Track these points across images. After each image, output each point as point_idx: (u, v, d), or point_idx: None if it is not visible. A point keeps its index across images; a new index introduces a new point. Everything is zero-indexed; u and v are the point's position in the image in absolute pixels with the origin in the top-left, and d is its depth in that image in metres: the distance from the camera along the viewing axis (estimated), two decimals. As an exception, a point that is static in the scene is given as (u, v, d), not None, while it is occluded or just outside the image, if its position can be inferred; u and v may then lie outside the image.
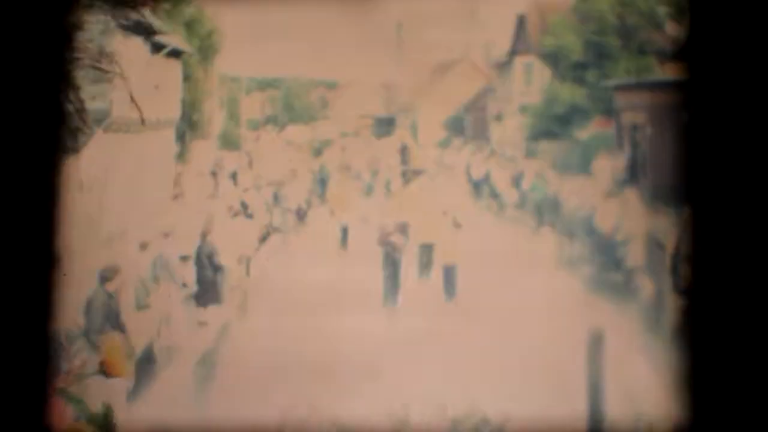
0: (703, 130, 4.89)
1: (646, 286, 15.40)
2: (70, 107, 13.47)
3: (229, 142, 28.10)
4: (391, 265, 17.76)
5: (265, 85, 36.31)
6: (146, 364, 10.56)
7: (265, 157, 27.39)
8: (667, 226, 15.04)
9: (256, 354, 13.00)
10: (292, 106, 36.93)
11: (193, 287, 13.21)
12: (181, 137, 23.19)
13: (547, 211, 20.31)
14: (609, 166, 21.62)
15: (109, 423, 8.99)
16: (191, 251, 13.41)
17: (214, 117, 26.23)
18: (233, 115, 29.88)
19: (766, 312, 4.95)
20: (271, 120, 35.88)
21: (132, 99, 15.52)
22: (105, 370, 10.80)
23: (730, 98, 4.71)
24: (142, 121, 14.36)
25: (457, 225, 18.41)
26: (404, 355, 14.15)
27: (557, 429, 10.49)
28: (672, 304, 14.63)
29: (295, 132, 33.23)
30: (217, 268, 13.46)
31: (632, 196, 17.73)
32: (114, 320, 10.06)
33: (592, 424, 10.48)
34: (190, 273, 13.22)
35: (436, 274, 18.16)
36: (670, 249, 14.51)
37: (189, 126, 23.72)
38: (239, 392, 11.93)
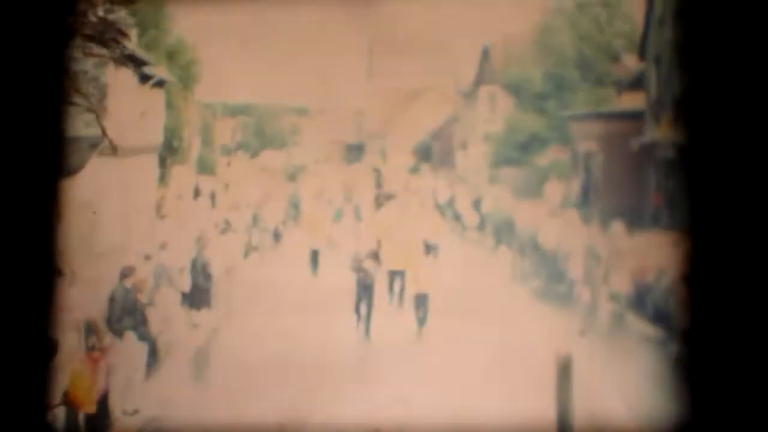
0: (702, 156, 5.00)
1: (584, 295, 18.30)
2: (69, 134, 15.07)
3: (204, 167, 30.06)
4: (365, 291, 18.06)
5: (236, 111, 38.05)
6: (151, 355, 13.05)
7: (240, 182, 29.39)
8: (604, 242, 17.82)
9: (239, 351, 15.24)
10: (263, 133, 38.75)
11: (188, 292, 15.78)
12: (162, 162, 25.33)
13: (503, 231, 22.93)
14: (558, 189, 24.49)
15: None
16: (185, 262, 15.91)
17: (193, 143, 28.36)
18: (207, 141, 31.79)
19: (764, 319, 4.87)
20: (242, 146, 37.69)
21: (104, 132, 15.57)
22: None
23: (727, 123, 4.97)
24: (114, 150, 14.97)
25: (428, 251, 19.13)
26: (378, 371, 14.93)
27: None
28: (606, 309, 17.45)
29: (269, 157, 35.22)
30: (208, 277, 16.08)
31: (573, 216, 20.42)
32: (131, 310, 12.59)
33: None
34: (185, 280, 15.76)
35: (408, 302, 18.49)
36: (605, 262, 17.31)
37: (170, 151, 25.84)
38: (230, 388, 13.91)
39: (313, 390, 13.71)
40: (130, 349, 12.22)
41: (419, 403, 13.18)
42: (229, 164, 33.51)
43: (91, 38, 12.82)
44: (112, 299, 12.55)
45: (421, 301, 18.09)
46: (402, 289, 19.28)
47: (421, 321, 17.90)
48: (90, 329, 11.45)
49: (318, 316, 17.97)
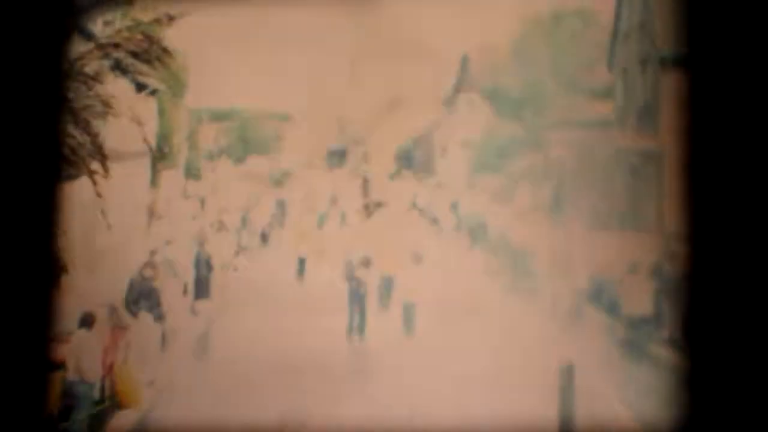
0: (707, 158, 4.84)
1: (547, 289, 20.80)
2: (73, 141, 16.19)
3: (191, 172, 31.92)
4: (358, 300, 18.48)
5: (219, 116, 39.76)
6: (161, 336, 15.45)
7: (226, 187, 31.33)
8: (566, 241, 20.34)
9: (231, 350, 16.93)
10: (246, 138, 40.49)
11: (191, 284, 18.16)
12: (154, 166, 27.38)
13: (478, 232, 25.32)
14: (529, 193, 26.97)
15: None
16: (187, 256, 18.28)
17: (182, 148, 30.36)
18: (193, 146, 33.60)
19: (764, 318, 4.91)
20: (226, 151, 39.40)
21: (101, 154, 17.00)
22: (119, 402, 13.26)
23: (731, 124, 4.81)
24: (106, 170, 14.63)
25: (417, 258, 19.34)
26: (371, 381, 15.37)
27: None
28: (568, 300, 19.99)
29: (254, 163, 36.84)
30: (210, 269, 18.47)
31: (539, 218, 22.84)
32: (147, 295, 15.00)
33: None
34: (189, 273, 18.12)
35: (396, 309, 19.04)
36: (567, 260, 19.85)
37: (161, 157, 27.88)
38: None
39: (307, 395, 14.15)
40: (145, 327, 14.57)
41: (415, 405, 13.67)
42: (214, 170, 35.61)
43: (135, 55, 13.99)
44: (131, 285, 14.97)
45: (408, 308, 18.62)
46: (390, 293, 19.83)
47: (409, 328, 18.44)
48: (111, 311, 13.76)
49: (306, 320, 18.81)
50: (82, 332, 12.22)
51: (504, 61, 32.55)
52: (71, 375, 12.01)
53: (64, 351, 12.19)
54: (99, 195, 14.48)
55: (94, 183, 13.55)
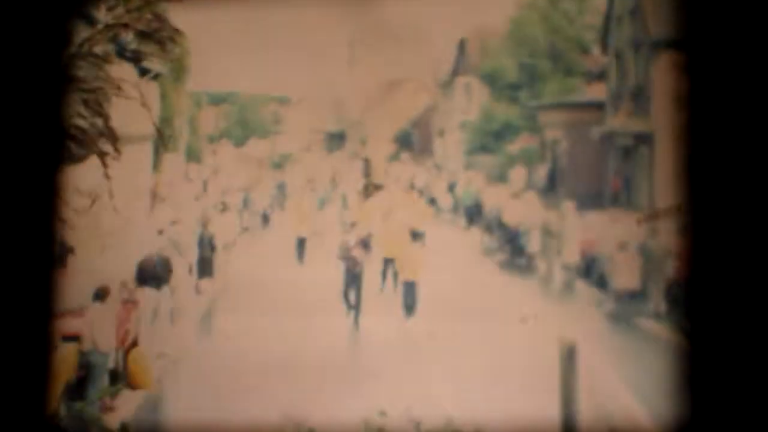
0: (704, 136, 4.71)
1: (540, 266, 21.82)
2: (83, 122, 16.67)
3: (192, 155, 32.70)
4: (353, 279, 18.45)
5: (218, 100, 40.49)
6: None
7: (227, 169, 32.14)
8: (558, 220, 21.27)
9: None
10: (245, 121, 41.29)
11: (195, 263, 19.04)
12: (156, 150, 28.18)
13: (474, 212, 26.24)
14: (523, 174, 27.91)
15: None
16: (191, 238, 19.16)
17: (183, 132, 31.16)
18: (194, 130, 34.37)
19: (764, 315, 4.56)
20: (226, 134, 40.18)
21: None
22: (131, 383, 13.44)
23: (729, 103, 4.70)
24: (117, 151, 16.61)
25: (416, 238, 19.46)
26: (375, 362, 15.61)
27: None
28: (559, 277, 21.00)
29: (255, 146, 37.89)
30: (213, 249, 19.35)
31: (532, 197, 23.76)
32: (161, 272, 15.98)
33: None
34: (193, 253, 19.02)
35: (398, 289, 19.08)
36: (558, 238, 20.82)
37: (162, 140, 28.66)
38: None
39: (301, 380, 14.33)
40: (157, 302, 15.47)
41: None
42: (214, 152, 36.07)
43: (145, 35, 14.18)
44: (145, 262, 15.90)
45: (409, 288, 18.62)
46: (395, 276, 19.89)
47: (410, 309, 18.46)
48: (122, 287, 14.63)
49: (307, 305, 19.01)
50: (97, 305, 13.10)
51: (501, 44, 33.32)
52: (87, 346, 12.88)
53: (79, 325, 13.05)
54: (107, 177, 14.77)
55: (105, 165, 14.03)
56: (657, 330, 17.20)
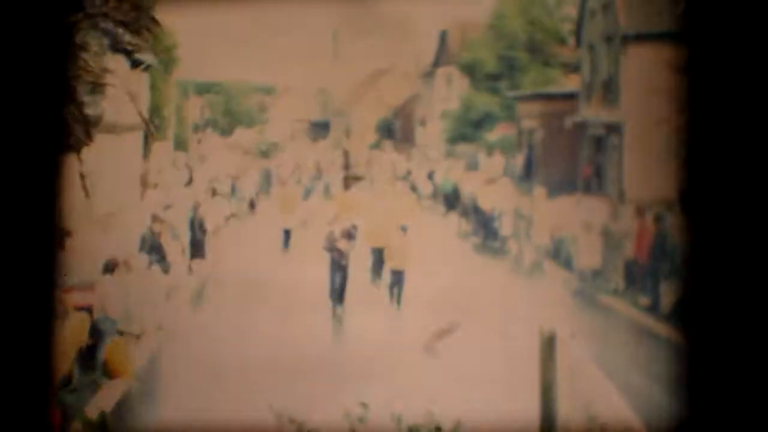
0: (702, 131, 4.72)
1: (513, 248, 23.62)
2: (74, 114, 17.70)
3: (179, 144, 33.91)
4: (338, 271, 18.86)
5: (203, 89, 41.48)
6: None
7: (214, 157, 33.40)
8: (529, 203, 23.07)
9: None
10: (231, 111, 42.33)
11: (187, 245, 20.64)
12: (145, 139, 29.45)
13: (452, 199, 27.92)
14: (499, 162, 29.59)
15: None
16: (183, 221, 20.73)
17: (172, 121, 32.44)
18: (180, 119, 35.50)
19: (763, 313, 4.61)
20: (211, 123, 41.24)
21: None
22: (108, 373, 14.10)
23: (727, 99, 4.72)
24: (89, 138, 14.37)
25: (403, 228, 19.66)
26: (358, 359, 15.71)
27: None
28: (529, 258, 22.78)
29: (241, 135, 39.23)
30: (204, 232, 20.95)
31: (505, 182, 25.46)
32: (156, 249, 17.64)
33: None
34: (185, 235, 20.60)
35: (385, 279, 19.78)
36: (529, 221, 22.60)
37: (149, 129, 29.89)
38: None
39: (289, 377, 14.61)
40: (154, 278, 17.11)
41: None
42: (199, 141, 37.50)
43: (123, 24, 13.70)
44: (143, 239, 17.64)
45: (397, 277, 19.17)
46: (382, 267, 20.30)
47: (398, 298, 19.04)
48: (124, 262, 16.27)
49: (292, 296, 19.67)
50: (107, 277, 14.78)
51: (481, 36, 34.46)
52: (97, 314, 14.52)
53: (89, 297, 14.66)
54: (80, 160, 14.30)
55: (78, 151, 14.21)
56: (617, 305, 19.00)
